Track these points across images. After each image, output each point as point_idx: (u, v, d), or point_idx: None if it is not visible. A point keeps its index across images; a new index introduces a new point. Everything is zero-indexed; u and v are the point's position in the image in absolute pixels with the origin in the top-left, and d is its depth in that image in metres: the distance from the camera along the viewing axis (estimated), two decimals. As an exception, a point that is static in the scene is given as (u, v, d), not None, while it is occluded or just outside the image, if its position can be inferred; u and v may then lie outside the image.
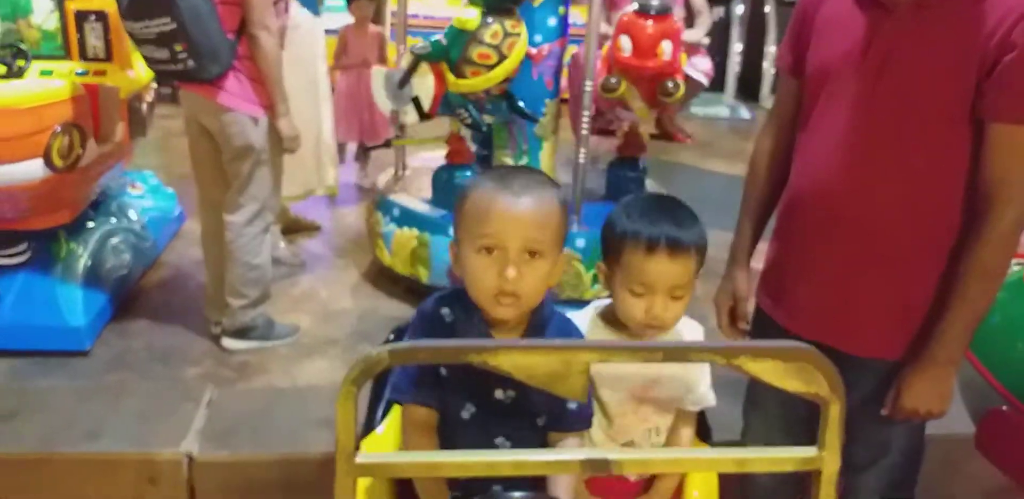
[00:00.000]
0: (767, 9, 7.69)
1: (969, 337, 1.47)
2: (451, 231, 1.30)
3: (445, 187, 3.29)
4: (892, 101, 1.41)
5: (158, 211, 3.82)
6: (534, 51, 3.16)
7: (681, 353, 0.97)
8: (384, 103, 3.19)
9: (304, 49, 3.59)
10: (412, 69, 3.04)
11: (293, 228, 4.08)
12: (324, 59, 3.84)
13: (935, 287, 1.47)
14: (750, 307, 1.76)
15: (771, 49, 7.57)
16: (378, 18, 5.45)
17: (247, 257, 2.92)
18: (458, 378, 1.26)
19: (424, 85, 3.06)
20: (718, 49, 7.78)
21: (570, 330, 1.36)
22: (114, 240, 3.31)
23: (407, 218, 3.33)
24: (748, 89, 7.88)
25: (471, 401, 1.29)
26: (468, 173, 3.29)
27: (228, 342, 3.04)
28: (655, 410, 1.47)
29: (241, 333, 3.03)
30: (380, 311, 3.39)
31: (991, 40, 1.32)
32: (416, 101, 3.09)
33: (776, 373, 0.92)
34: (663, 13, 2.98)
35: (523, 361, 0.87)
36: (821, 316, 1.57)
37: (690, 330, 1.48)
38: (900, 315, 1.52)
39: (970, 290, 1.43)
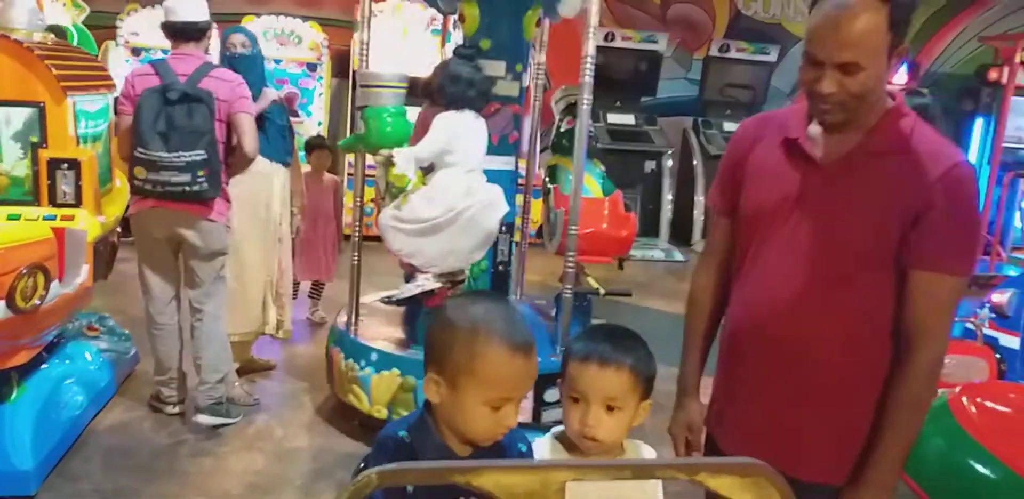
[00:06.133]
0: (695, 162, 8.37)
1: (902, 462, 1.57)
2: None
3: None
4: (824, 246, 1.52)
5: (113, 353, 3.79)
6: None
7: (648, 470, 1.07)
8: None
9: (259, 193, 3.79)
10: None
11: (249, 368, 4.08)
12: (285, 203, 3.99)
13: (871, 413, 1.57)
14: (703, 437, 1.79)
15: (699, 198, 8.21)
16: (334, 168, 5.73)
17: (220, 336, 3.46)
18: (424, 493, 1.29)
19: None
20: (651, 198, 8.35)
21: (516, 437, 1.42)
22: (68, 382, 3.27)
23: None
24: (680, 234, 8.39)
25: None
26: None
27: (204, 418, 3.40)
28: None
29: (214, 409, 3.40)
30: (335, 449, 3.38)
31: (913, 197, 1.44)
32: None
33: (733, 488, 1.00)
34: None
35: (504, 480, 0.93)
36: (766, 442, 1.63)
37: (648, 453, 1.55)
38: (840, 441, 1.58)
39: (900, 420, 1.51)
